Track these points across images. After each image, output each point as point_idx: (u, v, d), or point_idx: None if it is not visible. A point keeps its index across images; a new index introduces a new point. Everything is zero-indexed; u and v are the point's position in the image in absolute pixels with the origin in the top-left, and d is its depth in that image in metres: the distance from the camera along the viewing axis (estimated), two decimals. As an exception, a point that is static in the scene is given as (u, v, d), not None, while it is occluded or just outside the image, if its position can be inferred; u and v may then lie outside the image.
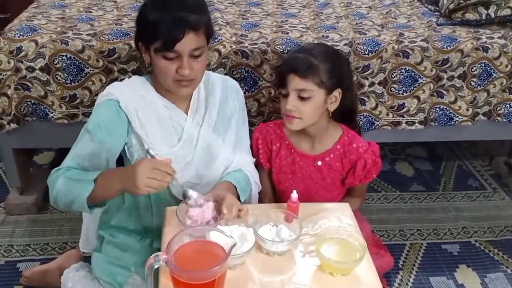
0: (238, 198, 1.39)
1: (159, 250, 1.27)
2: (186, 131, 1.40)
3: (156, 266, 1.00)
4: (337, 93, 1.49)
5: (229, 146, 1.47)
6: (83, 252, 1.69)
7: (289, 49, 1.90)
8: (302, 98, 1.45)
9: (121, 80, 1.85)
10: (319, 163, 1.58)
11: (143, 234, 1.47)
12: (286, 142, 1.60)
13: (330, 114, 1.54)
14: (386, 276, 1.86)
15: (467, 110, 2.07)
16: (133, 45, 1.83)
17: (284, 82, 1.46)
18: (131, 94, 1.36)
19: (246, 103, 1.91)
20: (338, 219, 1.33)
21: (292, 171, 1.60)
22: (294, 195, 1.29)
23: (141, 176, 1.12)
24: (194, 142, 1.41)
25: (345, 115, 1.60)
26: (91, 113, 1.88)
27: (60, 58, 1.84)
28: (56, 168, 1.27)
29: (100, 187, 1.19)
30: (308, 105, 1.45)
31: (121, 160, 1.43)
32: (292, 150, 1.60)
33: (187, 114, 1.41)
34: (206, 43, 1.33)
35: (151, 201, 1.41)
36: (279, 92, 1.52)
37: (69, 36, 1.87)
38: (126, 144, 1.37)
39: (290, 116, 1.47)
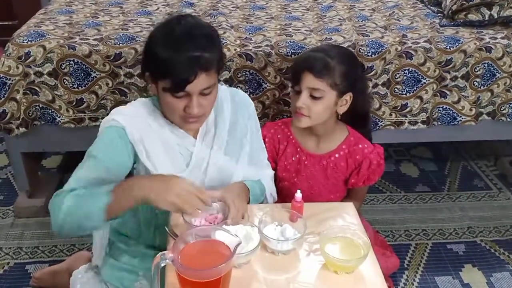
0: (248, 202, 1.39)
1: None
2: (195, 155, 1.35)
3: (162, 265, 1.02)
4: (348, 96, 1.51)
5: (243, 165, 1.43)
6: (91, 253, 1.69)
7: (292, 51, 1.92)
8: (313, 97, 1.46)
9: (127, 84, 1.90)
10: (325, 162, 1.59)
11: (152, 247, 1.45)
12: (293, 141, 1.62)
13: (339, 116, 1.56)
14: (392, 276, 1.87)
15: (471, 110, 2.07)
16: (139, 49, 1.87)
17: (298, 79, 1.47)
18: (136, 122, 1.29)
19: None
20: (342, 218, 1.34)
21: (297, 170, 1.62)
22: (298, 194, 1.30)
23: (174, 192, 1.08)
24: (204, 166, 1.37)
25: (357, 119, 1.62)
26: (97, 117, 1.94)
27: (68, 63, 1.87)
28: (57, 192, 1.18)
29: (117, 197, 1.12)
30: (318, 104, 1.47)
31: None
32: (298, 149, 1.61)
33: (195, 138, 1.37)
34: (217, 77, 1.28)
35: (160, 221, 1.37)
36: (292, 88, 1.53)
37: (76, 41, 1.90)
38: (135, 169, 1.33)
39: (299, 113, 1.49)
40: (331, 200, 1.66)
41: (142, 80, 1.90)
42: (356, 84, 1.52)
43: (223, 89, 1.45)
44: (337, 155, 1.59)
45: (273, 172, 1.56)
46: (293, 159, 1.62)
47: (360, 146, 1.58)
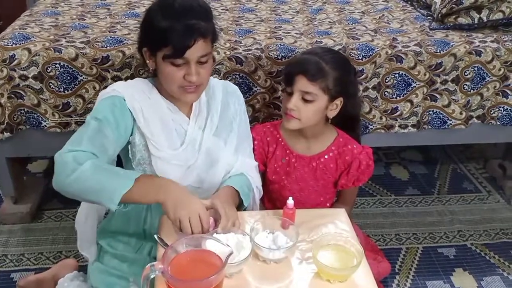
0: (241, 204, 1.39)
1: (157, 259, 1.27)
2: (189, 134, 1.40)
3: (152, 276, 1.00)
4: (339, 101, 1.51)
5: (230, 149, 1.46)
6: (78, 260, 1.66)
7: (283, 55, 1.90)
8: (305, 100, 1.46)
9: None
10: (314, 164, 1.59)
11: (142, 238, 1.45)
12: (282, 143, 1.61)
13: (329, 120, 1.55)
14: (383, 281, 1.86)
15: (461, 113, 2.07)
16: (127, 52, 1.84)
17: (291, 81, 1.47)
18: (136, 93, 1.35)
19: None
20: (334, 225, 1.32)
21: (287, 172, 1.61)
22: (290, 201, 1.28)
23: (187, 211, 1.14)
24: (197, 145, 1.41)
25: (347, 123, 1.61)
26: (84, 122, 1.88)
27: (54, 66, 1.83)
28: (70, 148, 1.19)
29: (139, 189, 1.15)
30: (309, 107, 1.47)
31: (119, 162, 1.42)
32: (288, 151, 1.60)
33: (189, 118, 1.42)
34: (212, 48, 1.35)
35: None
36: (283, 89, 1.53)
37: (62, 44, 1.86)
38: (129, 143, 1.36)
39: (289, 115, 1.49)
40: (321, 202, 1.65)
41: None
42: (348, 89, 1.52)
43: (215, 80, 1.51)
44: (326, 156, 1.59)
45: (257, 163, 1.56)
46: (283, 161, 1.61)
47: (349, 146, 1.58)
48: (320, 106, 1.48)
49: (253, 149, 1.61)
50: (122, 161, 1.42)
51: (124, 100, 1.32)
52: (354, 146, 1.58)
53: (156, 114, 1.36)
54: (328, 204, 1.68)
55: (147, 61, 1.35)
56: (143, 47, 1.35)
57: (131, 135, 1.35)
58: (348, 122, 1.61)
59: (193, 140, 1.40)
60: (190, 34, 1.24)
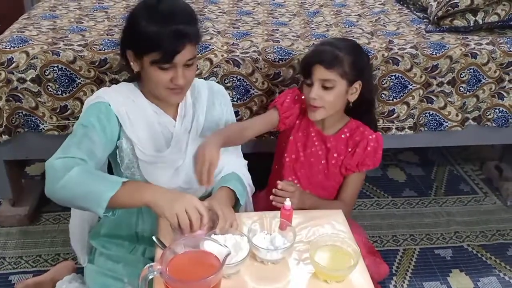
0: (237, 202, 1.41)
1: (151, 259, 1.27)
2: (175, 136, 1.41)
3: (150, 277, 1.00)
4: (358, 84, 1.56)
5: None
6: (76, 263, 1.67)
7: (280, 57, 1.91)
8: (325, 88, 1.51)
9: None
10: (329, 145, 1.64)
11: (135, 241, 1.46)
12: (307, 116, 1.64)
13: (350, 104, 1.59)
14: (380, 282, 1.86)
15: (457, 115, 2.09)
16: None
17: (309, 72, 1.53)
18: (121, 98, 1.36)
19: (238, 112, 1.94)
20: (331, 226, 1.33)
21: (304, 144, 1.65)
22: (288, 202, 1.29)
23: (183, 204, 1.12)
24: (183, 147, 1.42)
25: (362, 106, 1.64)
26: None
27: (52, 69, 1.84)
28: (59, 155, 1.19)
29: (126, 192, 1.14)
30: (331, 94, 1.52)
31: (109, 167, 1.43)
32: (309, 124, 1.65)
33: (175, 120, 1.42)
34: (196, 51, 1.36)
35: None
36: (303, 82, 1.58)
37: (60, 47, 1.87)
38: (117, 147, 1.37)
39: (313, 106, 1.54)
40: (326, 188, 1.68)
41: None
42: (363, 72, 1.57)
43: (200, 80, 1.52)
44: (338, 138, 1.64)
45: (246, 161, 1.59)
46: (305, 132, 1.66)
47: (361, 129, 1.64)
48: (340, 91, 1.53)
49: (286, 102, 1.63)
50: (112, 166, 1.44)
51: (110, 105, 1.33)
52: (366, 129, 1.64)
53: (141, 117, 1.37)
54: (331, 196, 1.69)
55: (131, 63, 1.35)
56: (126, 49, 1.34)
57: (118, 140, 1.36)
58: (364, 105, 1.64)
59: (179, 142, 1.41)
60: (179, 39, 1.25)
